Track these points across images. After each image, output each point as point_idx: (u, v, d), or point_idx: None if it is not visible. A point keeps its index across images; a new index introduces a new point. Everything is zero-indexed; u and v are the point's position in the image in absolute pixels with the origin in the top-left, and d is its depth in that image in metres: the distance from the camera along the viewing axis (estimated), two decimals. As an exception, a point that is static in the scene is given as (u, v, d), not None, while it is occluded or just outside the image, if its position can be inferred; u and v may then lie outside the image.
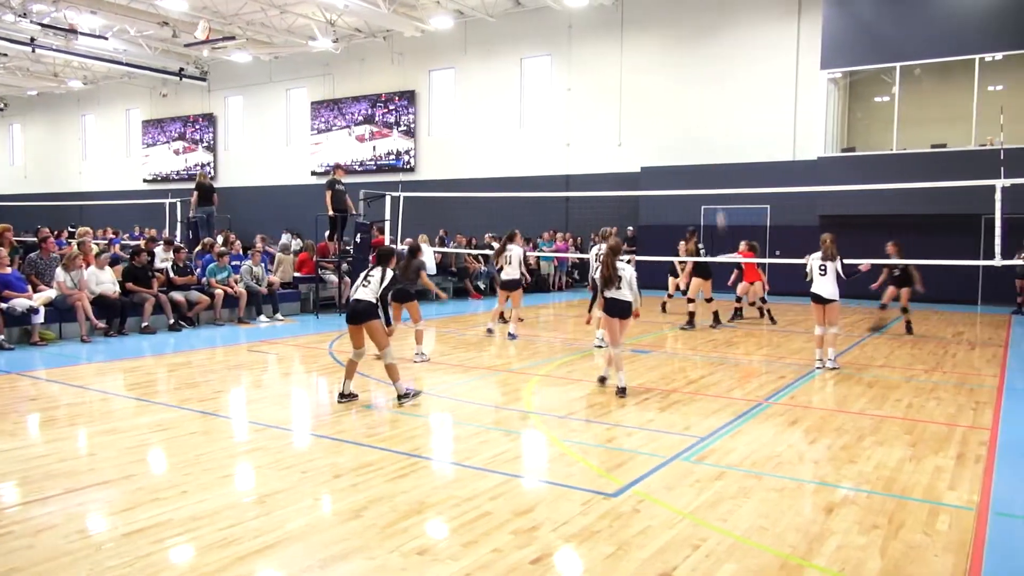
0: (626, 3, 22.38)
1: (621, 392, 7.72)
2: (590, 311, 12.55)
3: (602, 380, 8.25)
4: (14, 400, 7.62)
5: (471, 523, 4.38)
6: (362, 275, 7.49)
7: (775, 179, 17.93)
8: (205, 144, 32.96)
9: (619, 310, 7.76)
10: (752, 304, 14.05)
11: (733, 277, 14.58)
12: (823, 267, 9.38)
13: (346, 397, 7.41)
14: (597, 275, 7.95)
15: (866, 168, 17.70)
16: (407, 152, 27.25)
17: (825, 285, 9.32)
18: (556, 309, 16.99)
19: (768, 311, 13.94)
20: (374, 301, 7.21)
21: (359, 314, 7.21)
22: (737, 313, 14.43)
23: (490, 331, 12.06)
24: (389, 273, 7.40)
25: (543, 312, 15.85)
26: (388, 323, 7.39)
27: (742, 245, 13.84)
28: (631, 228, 21.32)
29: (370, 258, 15.05)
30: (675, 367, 9.65)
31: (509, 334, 11.87)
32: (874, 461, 5.63)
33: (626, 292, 7.74)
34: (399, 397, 7.27)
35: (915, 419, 6.93)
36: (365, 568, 3.82)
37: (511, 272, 11.74)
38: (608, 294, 7.80)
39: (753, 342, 11.92)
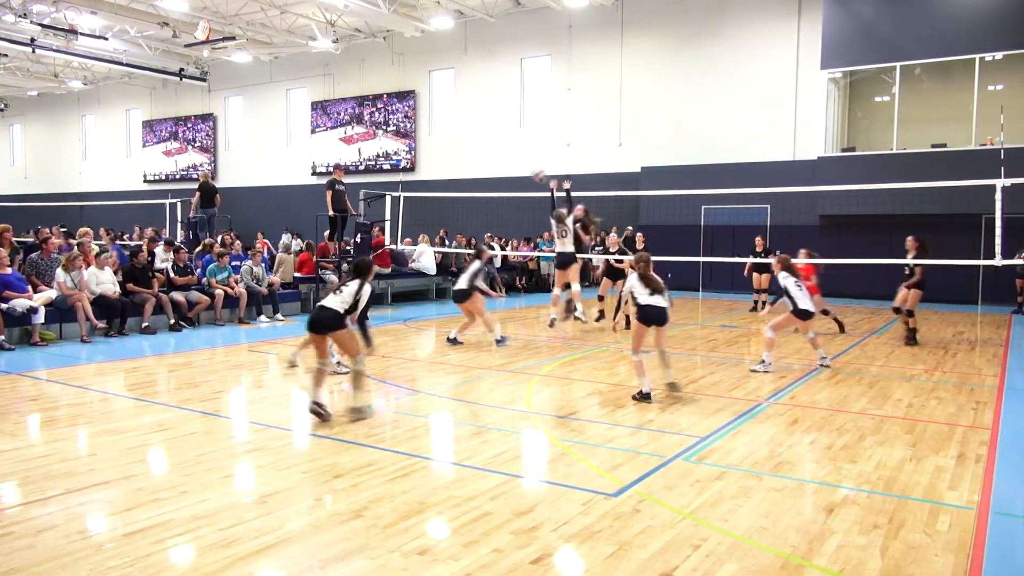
0: (626, 3, 22.38)
1: (671, 387, 7.62)
2: (615, 318, 12.69)
3: (646, 397, 7.42)
4: (14, 400, 7.62)
5: (471, 523, 4.38)
6: (340, 282, 7.12)
7: (775, 179, 17.95)
8: (199, 145, 32.95)
9: (657, 317, 7.42)
10: (825, 313, 12.08)
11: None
12: (799, 283, 9.21)
13: (319, 407, 6.59)
14: (628, 285, 7.70)
15: (866, 168, 17.71)
16: (397, 153, 27.25)
17: (808, 300, 9.17)
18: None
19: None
20: (341, 312, 6.58)
21: (321, 323, 6.62)
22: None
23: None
24: (367, 288, 6.69)
25: (543, 312, 15.82)
26: (368, 343, 6.78)
27: (802, 253, 12.18)
28: (630, 228, 21.30)
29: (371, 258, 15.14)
30: (675, 367, 9.63)
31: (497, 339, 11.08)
32: (874, 461, 5.63)
33: (661, 298, 7.43)
34: (353, 408, 6.77)
35: (915, 419, 6.93)
36: (365, 568, 3.82)
37: (461, 282, 10.98)
38: (644, 300, 7.44)
39: (754, 342, 11.92)
